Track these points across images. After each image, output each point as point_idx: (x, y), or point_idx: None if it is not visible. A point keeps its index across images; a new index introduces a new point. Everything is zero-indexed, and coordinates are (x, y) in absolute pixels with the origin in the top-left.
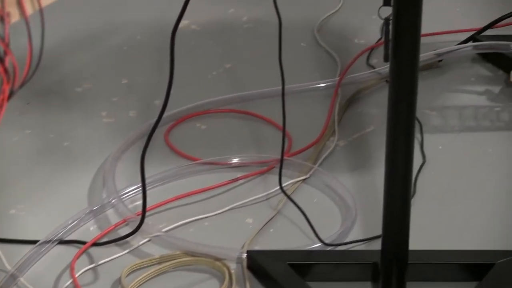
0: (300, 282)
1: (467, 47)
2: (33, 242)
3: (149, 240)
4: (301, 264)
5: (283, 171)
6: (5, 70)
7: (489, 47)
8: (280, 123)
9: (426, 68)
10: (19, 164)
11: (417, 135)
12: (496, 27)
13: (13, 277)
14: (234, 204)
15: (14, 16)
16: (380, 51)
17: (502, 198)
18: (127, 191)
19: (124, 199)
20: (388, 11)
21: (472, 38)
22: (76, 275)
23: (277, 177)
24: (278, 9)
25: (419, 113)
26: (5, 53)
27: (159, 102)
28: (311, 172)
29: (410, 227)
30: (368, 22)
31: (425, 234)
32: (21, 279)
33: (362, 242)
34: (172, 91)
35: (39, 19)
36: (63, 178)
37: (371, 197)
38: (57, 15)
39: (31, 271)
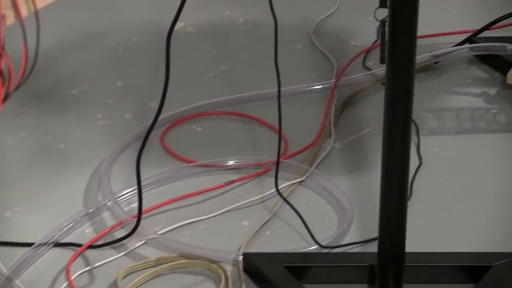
0: (297, 284)
1: (463, 48)
2: (29, 244)
3: (145, 243)
4: (298, 266)
5: (279, 173)
6: (0, 72)
7: (486, 48)
8: (276, 125)
9: (423, 70)
10: (15, 167)
11: (414, 137)
12: (493, 29)
13: (8, 280)
14: (230, 207)
15: (9, 19)
16: (376, 53)
17: (499, 200)
18: (123, 193)
19: (120, 201)
20: (384, 12)
21: (469, 40)
22: (72, 278)
23: (273, 179)
24: (274, 11)
25: (415, 115)
26: (0, 55)
27: (154, 104)
28: (307, 174)
29: (406, 229)
30: (364, 24)
31: (421, 236)
32: (17, 281)
33: (358, 244)
34: (168, 93)
35: (34, 21)
36: (59, 180)
37: (367, 199)
38: (52, 17)
39: (26, 274)
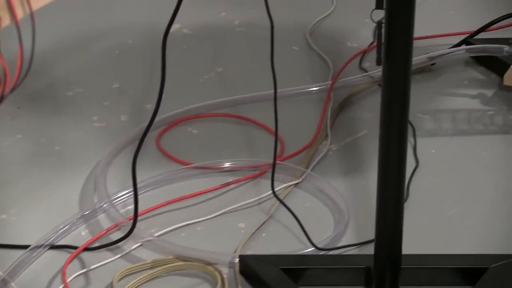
0: (293, 286)
1: (460, 50)
2: (25, 247)
3: (141, 245)
4: (294, 268)
5: (276, 175)
6: None
7: (482, 50)
8: (272, 127)
9: (419, 72)
10: (10, 169)
11: (410, 139)
12: (489, 30)
13: (4, 282)
14: (226, 209)
15: (5, 20)
16: (373, 54)
17: (496, 202)
18: (118, 195)
19: (115, 203)
20: (380, 14)
21: (465, 41)
22: (68, 280)
23: (269, 182)
24: (270, 13)
25: (412, 117)
26: None
27: (150, 106)
28: (303, 177)
29: (403, 231)
30: (361, 25)
31: (418, 238)
32: (12, 284)
33: (355, 247)
34: (163, 95)
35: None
36: (55, 182)
37: (364, 201)
38: (48, 19)
39: (22, 276)
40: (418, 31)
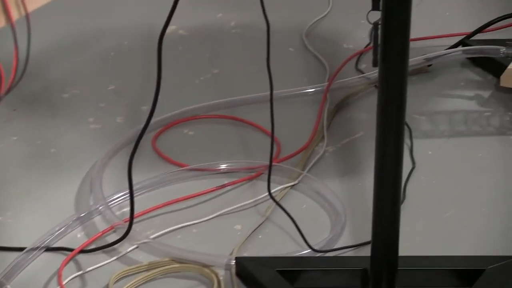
0: None
1: (456, 51)
2: (20, 249)
3: (137, 247)
4: (290, 270)
5: (272, 177)
6: None
7: (479, 51)
8: (269, 129)
9: (415, 73)
10: (6, 171)
11: (407, 140)
12: (486, 31)
13: (0, 285)
14: (223, 211)
15: (0, 22)
16: (369, 56)
17: (493, 203)
18: (114, 197)
19: (111, 205)
20: (377, 15)
21: (462, 43)
22: (64, 282)
23: (265, 183)
24: (266, 14)
25: (408, 118)
26: None
27: (146, 108)
28: (300, 178)
29: (400, 232)
30: (357, 26)
31: (415, 240)
32: (8, 286)
33: (351, 248)
34: (159, 97)
35: (25, 25)
36: (50, 185)
37: (360, 203)
38: (43, 21)
39: (18, 279)
40: (414, 32)
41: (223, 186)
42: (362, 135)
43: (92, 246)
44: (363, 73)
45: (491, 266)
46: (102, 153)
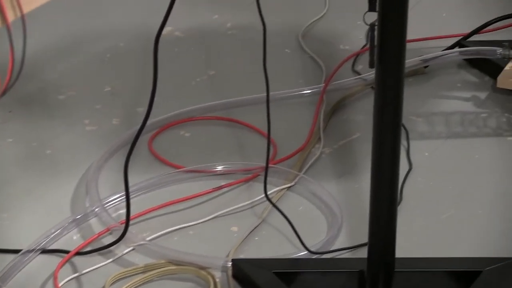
0: None
1: (453, 52)
2: (16, 251)
3: (133, 249)
4: (287, 272)
5: (268, 178)
6: None
7: (476, 52)
8: (265, 130)
9: (412, 74)
10: (2, 173)
11: (403, 142)
12: (482, 33)
13: None
14: (219, 212)
15: None
16: (366, 57)
17: (490, 205)
18: (110, 199)
19: (107, 207)
20: (373, 16)
21: (458, 44)
22: (60, 285)
23: (262, 185)
24: (262, 15)
25: (405, 120)
26: None
27: (142, 110)
28: (296, 180)
29: (397, 234)
30: (353, 28)
31: (412, 242)
32: None
33: (348, 250)
34: (155, 98)
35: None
36: (46, 186)
37: (357, 204)
38: (39, 22)
39: (14, 281)
40: (411, 34)
41: (220, 187)
42: (358, 137)
43: (88, 248)
44: (359, 74)
45: (488, 268)
46: (98, 155)
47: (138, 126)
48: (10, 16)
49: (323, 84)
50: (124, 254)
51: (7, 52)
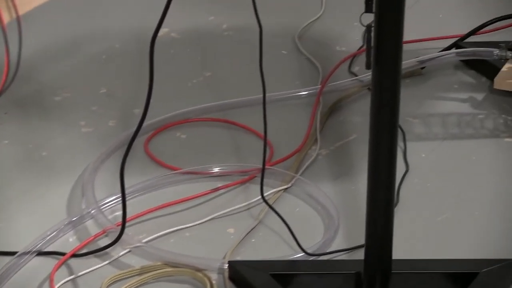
0: None
1: (450, 54)
2: (12, 253)
3: (129, 251)
4: (284, 274)
5: (265, 180)
6: None
7: (472, 53)
8: (261, 132)
9: (409, 76)
10: None
11: (400, 143)
12: (479, 34)
13: None
14: (215, 214)
15: None
16: (362, 58)
17: (486, 206)
18: (106, 201)
19: (103, 209)
20: (370, 18)
21: (455, 45)
22: (56, 287)
23: (258, 187)
24: (258, 17)
25: (402, 121)
26: None
27: (138, 111)
28: (293, 181)
29: (393, 236)
30: (350, 29)
31: (409, 243)
32: None
33: (345, 252)
34: (151, 100)
35: (17, 28)
36: (42, 188)
37: (354, 206)
38: (34, 24)
39: (10, 283)
40: (407, 35)
41: (216, 189)
42: (355, 138)
43: (84, 250)
44: (356, 75)
45: (484, 270)
46: (94, 157)
47: (134, 128)
48: (6, 17)
49: (320, 86)
50: (120, 256)
51: (2, 53)
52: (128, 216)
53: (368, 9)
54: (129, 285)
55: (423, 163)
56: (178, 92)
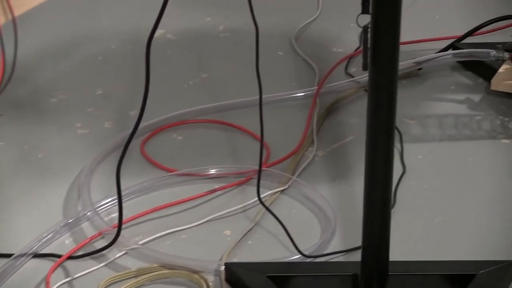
0: None
1: (446, 55)
2: (8, 255)
3: (125, 253)
4: (280, 276)
5: (261, 182)
6: None
7: (469, 55)
8: (258, 133)
9: (406, 77)
10: None
11: (397, 145)
12: (476, 35)
13: None
14: (212, 216)
15: None
16: (359, 59)
17: (484, 207)
18: (102, 203)
19: (99, 211)
20: (366, 19)
21: (452, 46)
22: None
23: (255, 188)
24: (255, 18)
25: (398, 122)
26: None
27: (134, 113)
28: (289, 183)
29: (390, 237)
30: (346, 30)
31: (406, 245)
32: None
33: (342, 254)
34: (148, 102)
35: (12, 29)
36: (38, 190)
37: (350, 207)
38: (30, 26)
39: (5, 285)
40: (404, 36)
41: (213, 191)
42: (352, 139)
43: (80, 252)
44: (353, 77)
45: (482, 271)
46: (90, 158)
47: (130, 130)
48: (1, 19)
49: (316, 87)
50: (117, 258)
51: None
52: (124, 218)
53: (364, 10)
54: (126, 287)
55: (420, 165)
56: (174, 93)
